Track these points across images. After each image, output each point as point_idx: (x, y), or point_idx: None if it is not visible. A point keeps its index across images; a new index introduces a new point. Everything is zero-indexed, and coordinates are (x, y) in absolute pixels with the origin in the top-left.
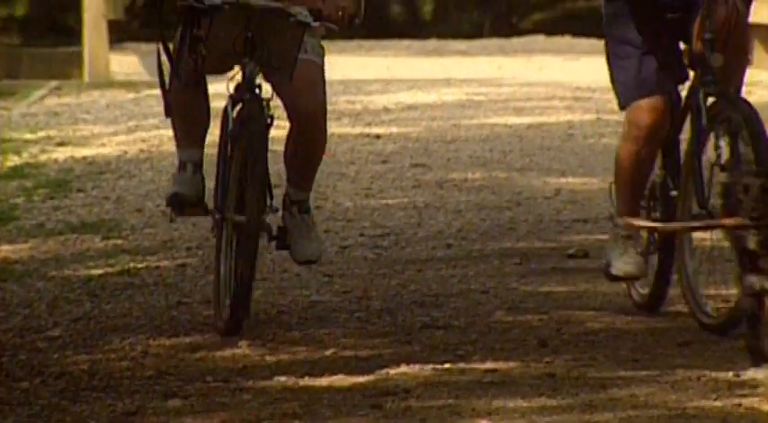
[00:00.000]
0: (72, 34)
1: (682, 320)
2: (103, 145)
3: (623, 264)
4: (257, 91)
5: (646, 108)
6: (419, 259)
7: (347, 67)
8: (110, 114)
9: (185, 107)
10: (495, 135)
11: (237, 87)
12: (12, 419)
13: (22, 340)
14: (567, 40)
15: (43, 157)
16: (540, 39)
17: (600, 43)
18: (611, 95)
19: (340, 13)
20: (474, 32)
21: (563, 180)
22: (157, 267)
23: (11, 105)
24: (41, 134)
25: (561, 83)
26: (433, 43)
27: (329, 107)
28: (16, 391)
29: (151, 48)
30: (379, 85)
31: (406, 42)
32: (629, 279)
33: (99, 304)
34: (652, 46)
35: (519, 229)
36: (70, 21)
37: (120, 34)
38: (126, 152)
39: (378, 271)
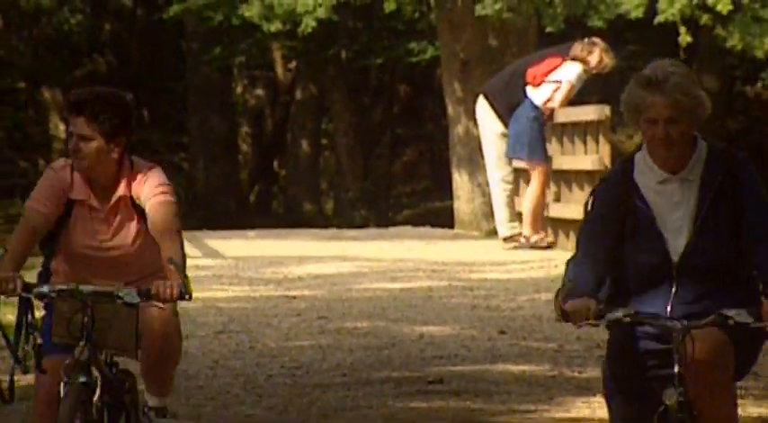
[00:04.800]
0: None
1: None
2: None
3: None
4: (90, 375)
5: None
6: (323, 384)
7: (271, 248)
8: None
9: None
10: (376, 296)
11: (68, 368)
12: None
13: None
14: (427, 229)
15: None
16: (408, 228)
17: (448, 231)
18: (459, 267)
19: (168, 290)
20: (363, 224)
21: (425, 328)
22: None
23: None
24: None
25: (423, 259)
26: (332, 231)
27: (261, 278)
28: None
29: None
30: (294, 260)
31: (313, 231)
32: None
33: None
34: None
35: (393, 363)
36: None
37: None
38: None
39: (294, 392)
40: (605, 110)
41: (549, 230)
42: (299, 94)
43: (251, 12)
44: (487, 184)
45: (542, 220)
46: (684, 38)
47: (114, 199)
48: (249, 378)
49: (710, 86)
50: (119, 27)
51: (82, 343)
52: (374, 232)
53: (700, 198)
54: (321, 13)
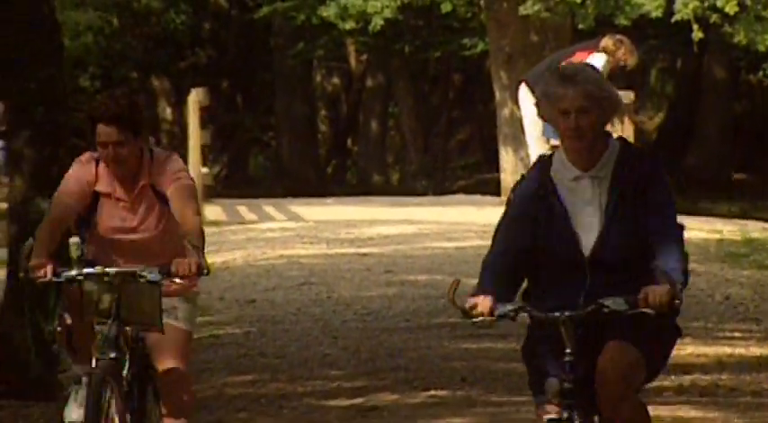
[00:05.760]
0: None
1: None
2: None
3: None
4: (120, 351)
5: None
6: (389, 328)
7: (346, 212)
8: None
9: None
10: (435, 254)
11: (100, 346)
12: None
13: None
14: (477, 197)
15: None
16: (462, 196)
17: (495, 198)
18: None
19: (187, 267)
20: (423, 192)
21: (475, 281)
22: (232, 334)
23: None
24: None
25: (474, 222)
26: (397, 199)
27: (337, 238)
28: None
29: (228, 202)
30: (365, 223)
31: (381, 198)
32: None
33: (196, 356)
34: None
35: (449, 311)
36: None
37: (208, 193)
38: (213, 264)
39: (365, 335)
40: (629, 95)
41: None
42: (369, 82)
43: (329, 12)
44: (529, 159)
45: None
46: (697, 34)
47: (137, 189)
48: (327, 323)
49: (719, 76)
50: (216, 26)
51: (110, 321)
52: (433, 199)
53: (609, 195)
54: (388, 13)
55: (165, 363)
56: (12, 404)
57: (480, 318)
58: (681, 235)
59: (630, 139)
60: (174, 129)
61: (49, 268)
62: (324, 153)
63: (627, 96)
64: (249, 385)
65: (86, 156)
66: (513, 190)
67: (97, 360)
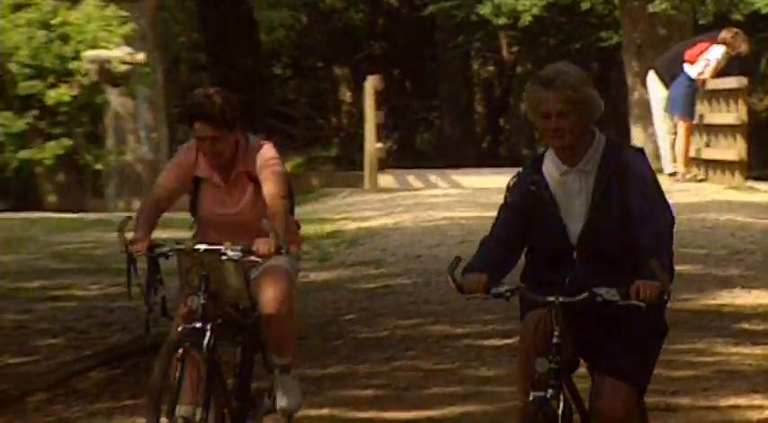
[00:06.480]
0: (358, 164)
1: None
2: (374, 220)
3: None
4: (204, 321)
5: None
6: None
7: (499, 181)
8: (377, 205)
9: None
10: None
11: (187, 316)
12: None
13: (327, 320)
14: None
15: (344, 227)
16: None
17: None
18: None
19: (266, 247)
20: None
21: None
22: (402, 284)
23: (328, 200)
24: (343, 215)
25: None
26: None
27: (491, 202)
28: (316, 350)
29: (398, 172)
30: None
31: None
32: None
33: (372, 303)
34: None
35: None
36: (358, 158)
37: (382, 165)
38: (386, 224)
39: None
40: (743, 80)
41: (702, 169)
42: (519, 70)
43: (484, 10)
44: (655, 134)
45: (689, 160)
46: None
47: (233, 175)
48: None
49: None
50: (389, 22)
51: (197, 293)
52: None
53: (595, 187)
54: (536, 10)
55: (264, 293)
56: None
57: (476, 295)
58: (667, 228)
59: (744, 118)
60: (353, 110)
61: (146, 243)
62: (480, 130)
63: (741, 81)
64: (416, 328)
65: (189, 143)
66: (510, 184)
67: (182, 329)
